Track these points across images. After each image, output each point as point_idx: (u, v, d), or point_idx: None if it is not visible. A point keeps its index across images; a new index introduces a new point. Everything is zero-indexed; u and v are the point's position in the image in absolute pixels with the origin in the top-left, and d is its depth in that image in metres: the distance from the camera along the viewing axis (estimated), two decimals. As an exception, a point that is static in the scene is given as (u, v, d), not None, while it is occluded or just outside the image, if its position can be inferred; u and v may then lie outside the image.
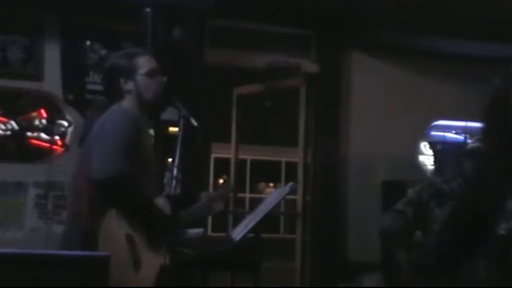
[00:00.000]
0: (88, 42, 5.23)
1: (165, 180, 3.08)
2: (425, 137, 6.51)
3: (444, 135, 6.69)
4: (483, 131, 1.87)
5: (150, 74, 2.98)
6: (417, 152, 6.46)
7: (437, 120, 6.52)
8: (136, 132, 2.87)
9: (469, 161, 3.50)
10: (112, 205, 2.76)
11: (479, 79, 6.42)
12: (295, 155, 6.29)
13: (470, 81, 6.39)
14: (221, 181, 4.18)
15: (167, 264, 2.70)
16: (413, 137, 6.36)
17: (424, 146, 6.54)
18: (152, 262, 2.81)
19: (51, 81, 5.21)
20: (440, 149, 6.17)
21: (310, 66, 5.98)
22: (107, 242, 2.72)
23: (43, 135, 5.21)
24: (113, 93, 3.00)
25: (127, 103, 2.97)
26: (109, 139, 2.81)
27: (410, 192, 3.71)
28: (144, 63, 3.00)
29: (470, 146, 3.58)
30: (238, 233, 3.49)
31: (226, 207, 3.37)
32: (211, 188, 6.23)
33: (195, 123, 2.94)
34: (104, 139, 2.81)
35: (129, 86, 2.97)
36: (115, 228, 2.76)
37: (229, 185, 3.53)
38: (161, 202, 2.94)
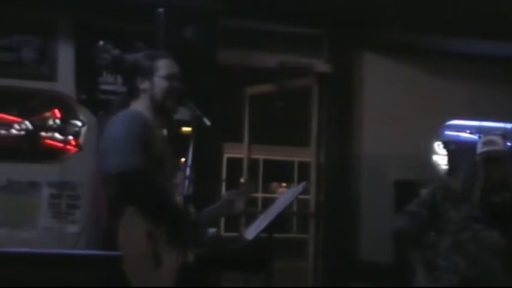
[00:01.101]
0: (101, 43, 5.25)
1: (178, 180, 3.08)
2: (439, 136, 6.48)
3: (458, 135, 6.66)
4: None
5: (168, 77, 3.00)
6: (430, 151, 6.43)
7: (450, 119, 6.49)
8: (145, 132, 2.89)
9: (481, 166, 3.47)
10: (129, 200, 2.77)
11: (493, 78, 6.43)
12: (308, 155, 6.29)
13: (484, 80, 6.36)
14: (242, 180, 4.18)
15: (184, 263, 2.71)
16: (426, 137, 6.34)
17: (437, 146, 6.51)
18: (173, 259, 2.82)
19: (65, 81, 5.24)
20: (454, 148, 6.14)
21: (322, 66, 5.97)
22: (128, 239, 2.73)
23: (57, 135, 5.24)
24: (130, 91, 3.04)
25: (140, 104, 3.00)
26: (120, 138, 2.84)
27: (423, 192, 3.69)
28: (164, 66, 3.03)
29: (480, 151, 3.53)
30: (250, 232, 3.49)
31: (247, 208, 3.37)
32: (223, 188, 6.23)
33: (207, 123, 2.95)
34: (116, 138, 2.84)
35: (145, 85, 3.00)
36: (135, 226, 2.77)
37: (250, 185, 3.51)
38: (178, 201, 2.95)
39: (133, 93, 3.02)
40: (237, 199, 3.23)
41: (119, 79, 5.17)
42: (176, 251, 2.82)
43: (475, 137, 6.33)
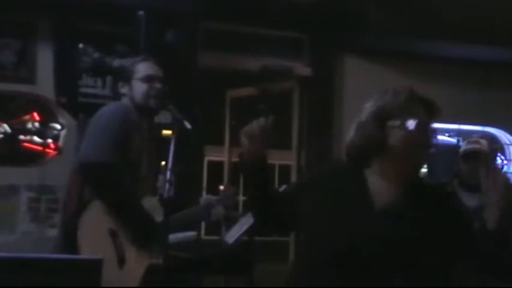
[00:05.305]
0: (81, 45, 5.22)
1: (158, 183, 3.07)
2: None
3: (437, 138, 6.68)
4: None
5: (145, 79, 3.05)
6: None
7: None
8: (124, 127, 2.92)
9: (463, 163, 3.51)
10: (94, 191, 2.78)
11: (472, 82, 6.46)
12: (289, 158, 6.29)
13: (464, 84, 6.41)
14: (221, 187, 4.10)
15: (156, 264, 2.69)
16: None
17: (417, 149, 6.52)
18: (138, 260, 2.80)
19: (44, 84, 5.20)
20: (433, 151, 6.17)
21: (303, 69, 5.99)
22: (89, 236, 2.71)
23: (36, 138, 5.19)
24: (115, 96, 3.11)
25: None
26: (99, 129, 2.89)
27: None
28: (142, 68, 3.08)
29: (464, 148, 3.60)
30: (231, 236, 3.49)
31: (226, 214, 3.36)
32: (204, 192, 6.21)
33: (188, 126, 2.95)
34: (95, 129, 2.91)
35: (125, 89, 3.06)
36: (98, 223, 2.76)
37: (231, 192, 3.48)
38: (153, 203, 2.94)
39: (116, 97, 3.09)
40: (215, 206, 3.22)
41: (100, 82, 5.16)
42: (144, 252, 2.81)
43: (453, 140, 6.37)
